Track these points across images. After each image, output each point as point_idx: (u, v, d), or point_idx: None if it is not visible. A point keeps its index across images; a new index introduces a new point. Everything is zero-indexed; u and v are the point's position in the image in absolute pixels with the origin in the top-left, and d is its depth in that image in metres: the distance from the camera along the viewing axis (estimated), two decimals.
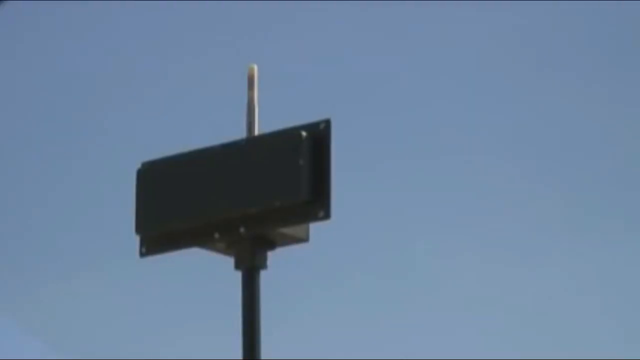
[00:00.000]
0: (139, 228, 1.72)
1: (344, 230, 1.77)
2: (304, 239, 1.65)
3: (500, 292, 4.67)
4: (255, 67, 1.67)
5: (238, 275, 1.66)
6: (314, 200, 1.62)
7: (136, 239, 1.72)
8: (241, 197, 1.66)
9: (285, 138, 1.65)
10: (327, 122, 1.62)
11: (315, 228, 1.61)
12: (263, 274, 1.60)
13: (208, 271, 1.85)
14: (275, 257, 1.65)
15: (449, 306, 4.69)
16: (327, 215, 1.59)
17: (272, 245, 1.64)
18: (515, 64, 4.86)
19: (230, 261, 1.70)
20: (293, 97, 1.84)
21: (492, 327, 4.59)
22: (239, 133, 1.67)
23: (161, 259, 1.76)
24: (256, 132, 1.67)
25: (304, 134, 1.63)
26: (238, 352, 1.63)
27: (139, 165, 1.72)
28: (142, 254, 1.75)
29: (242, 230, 1.63)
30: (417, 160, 4.82)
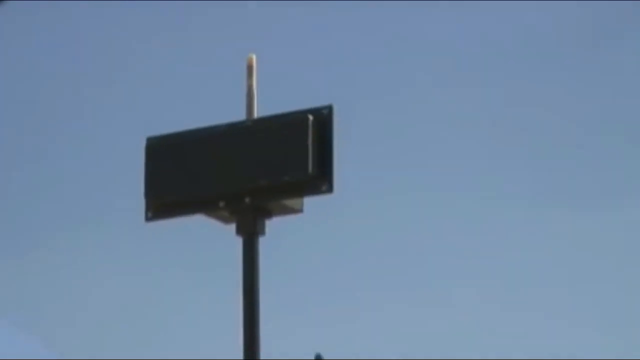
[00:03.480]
0: (149, 195, 1.91)
1: (345, 203, 1.94)
2: (300, 210, 1.88)
3: (499, 258, 5.11)
4: (254, 57, 1.86)
5: (236, 243, 1.86)
6: (319, 176, 1.83)
7: (142, 206, 1.89)
8: (251, 171, 1.87)
9: (293, 120, 1.86)
10: (330, 108, 1.85)
11: (318, 201, 1.84)
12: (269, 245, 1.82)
13: (207, 238, 2.01)
14: (280, 226, 1.88)
15: (442, 276, 5.02)
16: (330, 189, 1.82)
17: (270, 214, 1.87)
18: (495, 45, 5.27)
19: (225, 230, 1.90)
20: (285, 86, 2.02)
21: (481, 296, 5.01)
22: (237, 117, 1.87)
23: (163, 225, 1.94)
24: (255, 117, 1.88)
25: (310, 117, 1.84)
26: (239, 314, 1.84)
27: (143, 140, 1.92)
28: (147, 219, 1.93)
29: (247, 200, 1.84)
30: (412, 144, 5.24)
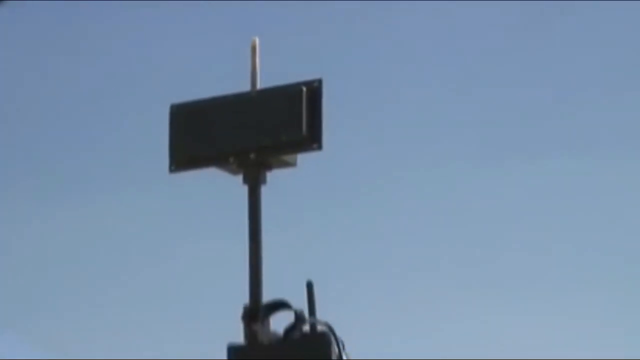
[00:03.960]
0: (172, 151, 2.31)
1: (331, 158, 2.41)
2: (294, 164, 2.31)
3: (476, 197, 6.60)
4: (257, 40, 2.28)
5: (242, 191, 2.27)
6: (311, 136, 2.25)
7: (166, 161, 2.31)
8: (255, 133, 2.28)
9: (289, 91, 2.27)
10: (320, 81, 2.26)
11: (309, 157, 2.27)
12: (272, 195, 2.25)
13: (218, 187, 2.45)
14: (281, 178, 2.29)
15: (429, 213, 6.43)
16: (319, 147, 2.25)
17: (270, 167, 2.29)
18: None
19: (233, 180, 2.30)
20: (282, 63, 2.45)
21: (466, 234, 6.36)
22: (243, 89, 2.29)
23: (183, 176, 2.37)
24: (258, 88, 2.28)
25: (304, 88, 2.25)
26: (245, 255, 2.26)
27: (167, 106, 2.34)
28: (171, 171, 2.35)
29: (252, 156, 2.26)
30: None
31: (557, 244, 6.72)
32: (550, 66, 6.96)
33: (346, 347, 2.30)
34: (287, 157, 2.33)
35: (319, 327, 2.30)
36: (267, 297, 2.34)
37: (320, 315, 2.31)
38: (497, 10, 6.45)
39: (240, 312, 2.33)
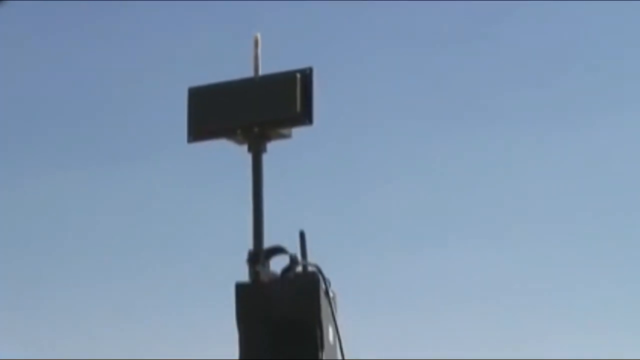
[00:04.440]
0: (190, 124, 2.67)
1: (320, 132, 2.83)
2: (290, 136, 2.67)
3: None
4: (259, 35, 2.64)
5: (246, 158, 2.63)
6: (303, 113, 2.62)
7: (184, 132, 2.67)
8: (258, 110, 2.64)
9: (286, 77, 2.64)
10: (311, 69, 2.62)
11: (302, 130, 2.65)
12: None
13: (228, 154, 2.83)
14: (278, 147, 2.67)
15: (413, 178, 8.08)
16: (310, 122, 2.61)
17: (270, 139, 2.65)
18: None
19: (239, 149, 2.65)
20: (280, 54, 2.85)
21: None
22: (248, 75, 2.64)
23: (199, 145, 2.73)
24: (259, 75, 2.63)
25: (298, 75, 2.61)
26: (249, 210, 2.62)
27: (185, 89, 2.67)
28: (189, 141, 2.71)
29: (255, 129, 2.63)
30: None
31: None
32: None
33: (331, 284, 2.62)
34: (284, 131, 2.70)
35: (309, 268, 2.62)
36: (267, 244, 2.67)
37: (310, 258, 2.63)
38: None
39: (245, 256, 2.65)
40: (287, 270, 2.65)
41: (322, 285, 2.60)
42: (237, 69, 2.74)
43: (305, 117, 2.66)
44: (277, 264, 2.67)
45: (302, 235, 2.64)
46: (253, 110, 2.68)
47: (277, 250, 2.66)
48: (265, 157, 2.70)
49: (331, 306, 2.62)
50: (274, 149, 2.72)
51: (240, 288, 2.63)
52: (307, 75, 2.64)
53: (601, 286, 7.56)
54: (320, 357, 2.54)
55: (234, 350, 2.59)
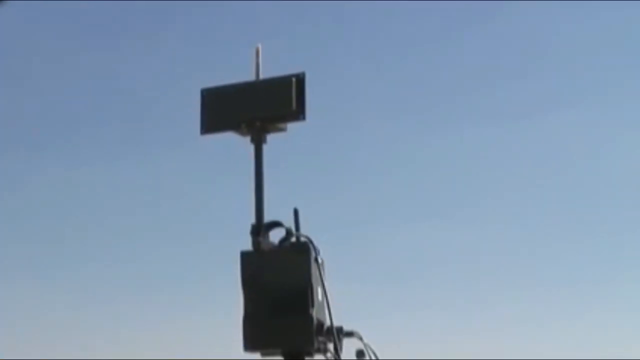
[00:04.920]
0: (203, 119, 2.99)
1: (312, 127, 3.13)
2: (285, 129, 2.98)
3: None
4: (260, 46, 2.98)
5: (249, 148, 2.96)
6: (298, 110, 2.91)
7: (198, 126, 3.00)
8: (259, 107, 2.93)
9: (283, 80, 2.93)
10: (303, 73, 2.91)
11: (297, 125, 2.95)
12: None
13: (233, 144, 3.15)
14: (276, 139, 2.98)
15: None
16: (304, 118, 2.92)
17: (269, 131, 2.95)
18: None
19: (243, 140, 2.97)
20: (277, 60, 3.17)
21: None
22: (250, 78, 2.98)
23: (209, 137, 3.05)
24: (260, 78, 2.96)
25: (293, 78, 2.92)
26: (252, 191, 2.92)
27: (198, 90, 3.01)
28: (201, 133, 3.03)
29: (257, 124, 2.94)
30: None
31: None
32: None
33: (320, 252, 2.92)
34: (281, 125, 2.99)
35: (302, 239, 2.91)
36: (267, 218, 2.98)
37: (302, 231, 2.94)
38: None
39: (248, 229, 2.94)
40: (283, 240, 2.94)
41: (312, 253, 2.89)
42: (241, 74, 3.08)
43: (299, 113, 2.95)
44: (275, 236, 2.97)
45: (295, 212, 2.93)
46: (255, 108, 2.98)
47: (275, 224, 2.95)
48: (265, 147, 3.01)
49: (320, 271, 2.90)
50: (272, 140, 3.05)
51: (244, 255, 2.93)
52: (301, 79, 2.94)
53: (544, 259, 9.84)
54: (310, 313, 2.83)
55: (239, 307, 2.92)
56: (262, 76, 3.00)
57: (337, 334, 2.90)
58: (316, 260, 2.90)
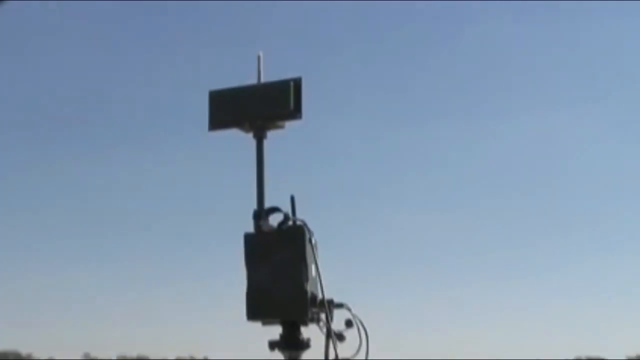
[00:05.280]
0: (211, 117, 3.23)
1: (307, 124, 3.32)
2: (283, 127, 3.24)
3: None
4: (261, 53, 3.24)
5: (252, 142, 3.22)
6: (295, 110, 3.16)
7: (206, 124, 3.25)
8: (261, 107, 3.17)
9: (282, 84, 3.17)
10: (300, 78, 3.15)
11: (294, 124, 3.21)
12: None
13: (237, 140, 3.39)
14: (276, 135, 3.20)
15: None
16: (300, 117, 3.16)
17: (269, 128, 3.21)
18: None
19: (246, 136, 3.24)
20: (276, 66, 3.40)
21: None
22: (253, 82, 3.23)
23: (217, 133, 3.29)
24: (262, 82, 3.22)
25: (291, 82, 3.16)
26: (254, 180, 3.17)
27: (206, 91, 3.27)
28: (209, 130, 3.27)
29: (259, 122, 3.20)
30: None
31: None
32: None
33: (314, 234, 3.16)
34: (280, 123, 3.23)
35: (298, 222, 3.14)
36: (267, 204, 3.21)
37: (298, 215, 3.16)
38: None
39: (251, 214, 3.19)
40: (281, 223, 3.17)
41: (307, 235, 3.13)
42: (245, 78, 3.31)
43: (296, 113, 3.20)
44: (275, 220, 3.20)
45: (292, 199, 3.14)
46: (257, 108, 3.21)
47: (274, 209, 3.19)
48: (265, 142, 3.25)
49: (313, 250, 3.14)
50: (272, 136, 3.27)
51: (247, 237, 3.16)
52: (297, 83, 3.19)
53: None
54: (305, 287, 3.08)
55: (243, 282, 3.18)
56: (263, 80, 3.27)
57: (329, 306, 3.14)
58: (310, 241, 3.14)
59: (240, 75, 3.34)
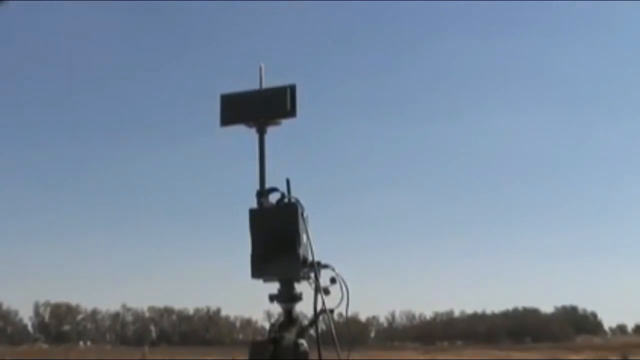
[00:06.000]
0: (222, 115, 3.71)
1: (301, 122, 3.66)
2: (280, 124, 3.71)
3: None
4: (263, 65, 3.72)
5: (254, 136, 3.72)
6: (291, 110, 3.63)
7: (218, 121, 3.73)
8: (262, 108, 3.66)
9: (279, 89, 3.63)
10: (294, 85, 3.61)
11: (289, 121, 3.65)
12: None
13: (242, 133, 3.83)
14: (275, 130, 3.65)
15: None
16: (295, 116, 3.63)
17: (269, 124, 3.69)
18: None
19: (250, 130, 3.74)
20: (275, 74, 3.72)
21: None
22: (255, 87, 3.71)
23: (228, 129, 3.77)
24: (263, 87, 3.70)
25: (287, 88, 3.62)
26: (256, 168, 3.62)
27: (218, 94, 3.76)
28: (220, 125, 3.73)
29: (261, 119, 3.68)
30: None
31: None
32: None
33: (305, 209, 3.58)
34: (278, 121, 3.68)
35: (292, 200, 3.57)
36: (268, 185, 3.65)
37: (293, 194, 3.58)
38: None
39: (254, 193, 3.63)
40: (279, 201, 3.58)
41: (300, 210, 3.53)
42: (249, 84, 3.78)
43: (291, 112, 3.65)
44: (273, 198, 3.62)
45: (287, 181, 3.57)
46: (260, 108, 3.67)
47: (273, 189, 3.60)
48: (266, 137, 3.72)
49: (305, 222, 3.56)
50: (271, 131, 3.73)
51: (252, 212, 3.58)
52: (293, 88, 3.67)
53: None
54: (298, 251, 3.50)
55: (249, 247, 3.57)
56: (264, 85, 3.78)
57: (317, 266, 3.57)
58: (302, 215, 3.57)
59: (245, 82, 3.85)
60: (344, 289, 3.58)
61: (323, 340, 3.54)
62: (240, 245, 3.64)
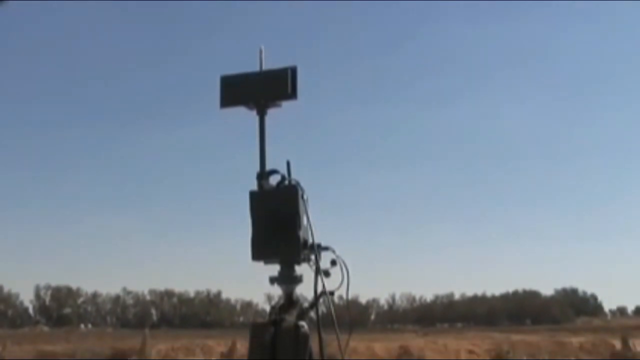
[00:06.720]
0: (222, 97, 3.72)
1: (301, 103, 3.66)
2: (281, 106, 3.72)
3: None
4: (262, 46, 3.74)
5: (254, 118, 3.75)
6: (292, 92, 3.63)
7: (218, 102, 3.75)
8: (263, 91, 3.67)
9: (280, 71, 3.64)
10: (295, 66, 3.62)
11: (290, 103, 3.67)
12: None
13: (243, 115, 3.86)
14: (275, 112, 3.68)
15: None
16: (295, 98, 3.64)
17: (269, 106, 3.70)
18: None
19: (250, 113, 3.77)
20: (275, 56, 3.72)
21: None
22: (255, 69, 3.74)
23: (227, 110, 3.80)
24: (263, 69, 3.72)
25: (288, 70, 3.63)
26: (257, 148, 3.65)
27: (218, 76, 3.79)
28: (221, 107, 3.75)
29: (262, 101, 3.69)
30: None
31: None
32: None
33: (305, 191, 3.60)
34: (278, 102, 3.69)
35: (292, 182, 3.59)
36: (268, 167, 3.66)
37: (293, 176, 3.61)
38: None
39: (255, 175, 3.64)
40: (279, 183, 3.58)
41: (300, 192, 3.54)
42: (250, 66, 3.81)
43: (292, 94, 3.67)
44: (274, 180, 3.63)
45: (288, 163, 3.58)
46: (260, 90, 3.69)
47: (274, 171, 3.61)
48: (267, 118, 3.74)
49: (305, 204, 3.58)
50: (272, 113, 3.76)
51: (252, 193, 3.60)
52: (294, 70, 3.68)
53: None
54: (298, 233, 3.53)
55: (248, 230, 3.62)
56: (265, 67, 3.80)
57: (317, 248, 3.60)
58: (302, 197, 3.60)
59: (246, 63, 3.87)
60: (344, 271, 3.62)
61: (323, 323, 3.56)
62: (241, 228, 3.68)
